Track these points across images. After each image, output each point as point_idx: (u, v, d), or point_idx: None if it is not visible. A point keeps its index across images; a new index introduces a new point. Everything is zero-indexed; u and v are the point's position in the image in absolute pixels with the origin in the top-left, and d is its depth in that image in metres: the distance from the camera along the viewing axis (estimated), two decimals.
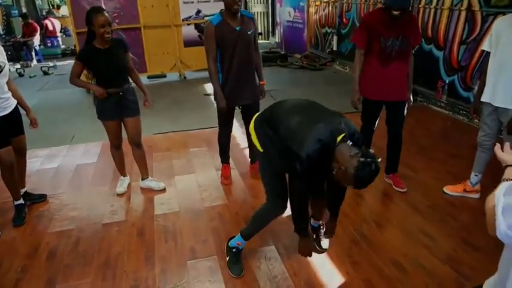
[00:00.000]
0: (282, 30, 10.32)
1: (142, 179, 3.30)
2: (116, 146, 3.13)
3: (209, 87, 6.68)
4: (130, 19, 6.80)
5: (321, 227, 2.49)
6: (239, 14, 2.86)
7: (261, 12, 11.72)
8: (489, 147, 2.77)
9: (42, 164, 3.89)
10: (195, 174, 3.55)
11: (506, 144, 1.13)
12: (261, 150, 2.07)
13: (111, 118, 2.95)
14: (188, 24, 7.23)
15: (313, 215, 2.50)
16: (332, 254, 2.42)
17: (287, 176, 2.10)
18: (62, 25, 11.60)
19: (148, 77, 7.30)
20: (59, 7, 13.00)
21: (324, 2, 8.52)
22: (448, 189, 3.05)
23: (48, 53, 10.66)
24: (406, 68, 2.87)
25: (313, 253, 2.41)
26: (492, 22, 4.18)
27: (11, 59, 9.11)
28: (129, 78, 3.00)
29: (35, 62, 9.89)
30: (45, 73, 8.61)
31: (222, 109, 3.01)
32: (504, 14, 3.75)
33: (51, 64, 9.04)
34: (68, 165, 3.86)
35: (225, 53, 2.88)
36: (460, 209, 2.87)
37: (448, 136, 4.28)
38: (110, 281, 2.28)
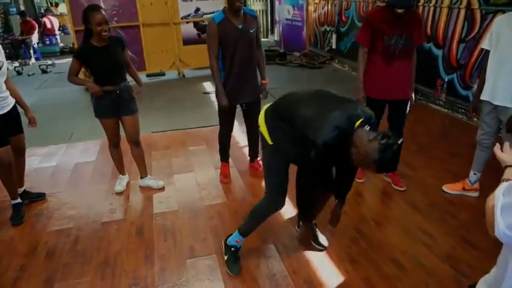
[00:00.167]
0: (281, 28, 10.30)
1: (141, 178, 3.29)
2: (114, 144, 3.12)
3: (208, 86, 6.68)
4: (129, 17, 6.78)
5: (315, 225, 2.49)
6: (241, 11, 2.85)
7: (260, 10, 11.69)
8: (488, 145, 2.77)
9: (41, 162, 3.88)
10: (194, 173, 3.54)
11: (506, 145, 1.12)
12: (271, 143, 2.03)
13: (108, 116, 2.94)
14: (187, 22, 7.21)
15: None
16: (331, 253, 2.41)
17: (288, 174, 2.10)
18: (60, 23, 11.56)
19: (147, 75, 7.29)
20: (57, 5, 12.96)
21: (323, 0, 8.51)
22: (447, 188, 3.06)
23: (46, 51, 10.63)
24: (410, 66, 2.85)
25: (313, 251, 2.43)
26: (491, 20, 4.18)
27: (9, 57, 9.08)
28: (127, 75, 2.99)
29: (33, 60, 9.86)
30: (44, 71, 8.59)
31: (224, 107, 3.01)
32: (503, 12, 3.75)
33: (49, 62, 9.02)
34: (66, 163, 3.85)
35: (227, 50, 2.88)
36: (459, 208, 2.87)
37: (447, 135, 4.28)
38: (109, 279, 2.27)
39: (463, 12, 4.62)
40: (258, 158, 3.50)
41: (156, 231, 2.71)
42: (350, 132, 1.68)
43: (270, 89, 3.17)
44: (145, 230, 2.73)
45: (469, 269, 2.24)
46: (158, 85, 6.95)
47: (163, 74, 7.47)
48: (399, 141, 1.60)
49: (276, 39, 10.91)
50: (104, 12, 2.70)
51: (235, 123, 3.30)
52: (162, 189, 3.25)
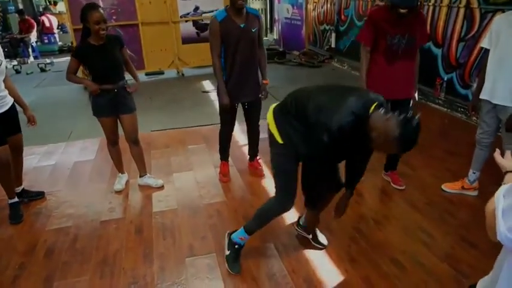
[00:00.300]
0: (280, 27, 10.29)
1: (141, 176, 3.29)
2: (112, 142, 3.12)
3: (207, 84, 6.67)
4: (128, 16, 6.77)
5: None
6: (244, 10, 2.84)
7: (259, 9, 11.67)
8: (487, 144, 2.78)
9: (40, 161, 3.87)
10: (193, 172, 3.54)
11: (508, 153, 1.12)
12: (281, 142, 2.00)
13: (106, 115, 2.94)
14: (186, 21, 7.20)
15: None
16: (331, 252, 2.41)
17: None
18: (59, 22, 11.53)
19: (146, 74, 7.28)
20: (55, 3, 12.91)
21: None
22: (446, 187, 3.06)
23: (45, 50, 10.60)
24: (412, 66, 2.84)
25: (312, 250, 2.43)
26: (491, 19, 4.18)
27: (8, 55, 9.04)
28: (126, 73, 2.98)
29: (31, 58, 9.84)
30: (42, 70, 8.58)
31: (225, 106, 3.00)
32: (503, 11, 3.76)
33: (48, 61, 9.00)
34: (65, 162, 3.84)
35: (229, 49, 2.88)
36: (458, 207, 2.87)
37: (446, 134, 4.28)
38: (108, 278, 2.27)
39: (462, 11, 4.62)
40: (258, 157, 3.50)
41: (155, 229, 2.71)
42: (365, 117, 1.68)
43: (269, 88, 3.16)
44: (144, 228, 2.73)
45: (468, 268, 2.24)
46: (157, 84, 6.94)
47: (162, 73, 7.47)
48: (417, 116, 1.61)
49: (275, 38, 10.90)
50: (101, 11, 2.69)
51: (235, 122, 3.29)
52: (162, 187, 3.25)
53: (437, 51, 5.05)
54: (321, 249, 2.43)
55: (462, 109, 4.73)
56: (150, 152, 3.91)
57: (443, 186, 3.07)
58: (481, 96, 2.68)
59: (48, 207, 3.04)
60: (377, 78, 2.84)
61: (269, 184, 3.29)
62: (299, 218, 2.56)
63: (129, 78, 3.02)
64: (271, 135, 2.06)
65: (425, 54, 5.11)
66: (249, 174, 3.46)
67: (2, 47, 2.80)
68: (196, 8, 7.19)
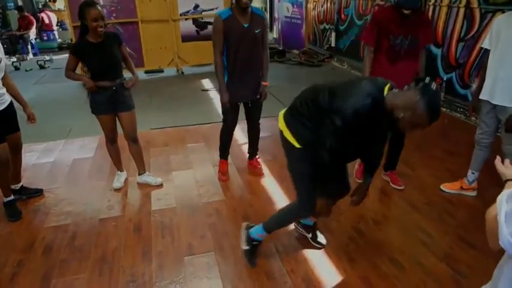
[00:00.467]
0: (280, 26, 10.27)
1: (139, 174, 3.28)
2: (110, 140, 3.11)
3: (207, 83, 6.66)
4: (128, 13, 6.74)
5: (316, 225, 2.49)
6: (249, 10, 2.83)
7: (259, 8, 11.66)
8: (487, 145, 2.78)
9: (39, 158, 3.86)
10: (192, 170, 3.53)
11: (507, 161, 1.11)
12: (299, 147, 1.95)
13: (104, 112, 2.93)
14: (186, 19, 7.18)
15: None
16: (329, 251, 2.41)
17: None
18: (58, 18, 11.49)
19: (146, 72, 7.26)
20: (55, 0, 12.86)
21: None
22: (445, 187, 3.06)
23: (44, 47, 10.56)
24: (415, 65, 2.84)
25: (311, 250, 2.42)
26: (491, 19, 4.18)
27: (7, 52, 9.02)
28: (125, 71, 2.97)
29: (31, 55, 9.80)
30: (42, 67, 8.55)
31: (225, 104, 3.00)
32: (503, 11, 3.76)
33: (47, 58, 8.97)
34: (64, 159, 3.83)
35: (231, 48, 2.87)
36: (457, 207, 2.88)
37: (445, 134, 4.28)
38: (106, 276, 2.27)
39: (462, 11, 4.62)
40: (257, 156, 3.50)
41: (154, 228, 2.71)
42: (381, 100, 1.68)
43: (269, 87, 3.15)
44: (143, 226, 2.73)
45: (466, 268, 2.24)
46: (157, 82, 6.93)
47: (162, 71, 7.45)
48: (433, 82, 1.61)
49: (275, 36, 10.88)
50: (99, 8, 2.68)
51: None
52: (160, 186, 3.24)
53: (437, 51, 5.05)
54: (319, 248, 2.43)
55: (461, 109, 4.73)
56: (149, 150, 3.90)
57: (442, 187, 3.07)
58: (481, 97, 2.68)
59: (47, 205, 3.03)
60: None
61: (268, 183, 3.29)
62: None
63: (128, 76, 3.01)
64: (287, 142, 2.01)
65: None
66: (248, 173, 3.45)
67: (1, 44, 2.78)
68: (196, 6, 7.17)
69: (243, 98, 3.08)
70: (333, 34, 8.15)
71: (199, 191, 3.17)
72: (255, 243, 2.27)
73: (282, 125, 2.05)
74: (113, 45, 2.84)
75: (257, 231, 2.26)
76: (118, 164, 3.27)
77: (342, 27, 7.86)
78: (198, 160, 3.73)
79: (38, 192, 3.15)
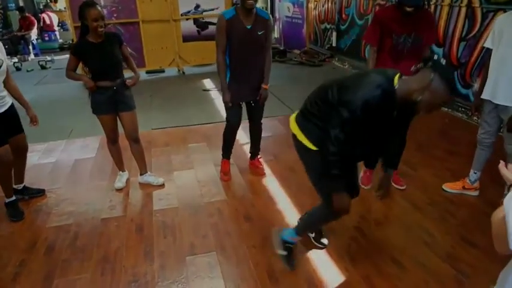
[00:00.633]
0: (281, 26, 10.28)
1: (141, 174, 3.28)
2: (112, 140, 3.11)
3: (208, 83, 6.66)
4: (129, 13, 6.75)
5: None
6: (254, 11, 2.82)
7: (264, 9, 11.66)
8: (489, 144, 2.77)
9: (40, 158, 3.86)
10: (194, 170, 3.53)
11: (510, 166, 1.10)
12: (314, 148, 1.89)
13: (105, 112, 2.93)
14: (187, 19, 7.18)
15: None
16: (331, 251, 2.41)
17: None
18: (59, 19, 11.51)
19: (147, 72, 7.27)
20: (56, 1, 12.88)
21: None
22: (447, 187, 3.06)
23: (45, 47, 10.58)
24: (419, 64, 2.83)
25: (312, 250, 2.42)
26: (492, 19, 4.18)
27: (9, 52, 9.02)
28: (126, 71, 2.97)
29: (32, 56, 9.82)
30: (43, 67, 8.56)
31: (227, 103, 3.00)
32: (504, 10, 3.75)
33: (48, 58, 8.99)
34: (66, 160, 3.84)
35: (232, 48, 2.87)
36: (459, 207, 2.87)
37: (447, 133, 4.28)
38: (108, 276, 2.27)
39: (463, 10, 4.61)
40: (259, 156, 3.50)
41: (155, 228, 2.71)
42: (391, 90, 1.67)
43: (270, 87, 3.14)
44: (145, 226, 2.73)
45: (469, 268, 2.24)
46: (158, 82, 6.94)
47: (163, 71, 7.46)
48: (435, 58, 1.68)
49: (275, 36, 10.88)
50: (99, 8, 2.68)
51: None
52: (162, 186, 3.24)
53: (439, 51, 5.04)
54: (322, 249, 2.43)
55: (463, 109, 4.72)
56: (151, 150, 3.90)
57: (444, 186, 3.07)
58: (483, 96, 2.67)
59: (49, 205, 3.04)
60: None
61: (270, 183, 3.29)
62: (305, 213, 2.53)
63: (129, 77, 3.01)
64: (301, 145, 1.96)
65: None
66: (250, 173, 3.45)
67: (2, 44, 2.79)
68: (197, 6, 7.17)
69: (244, 98, 3.07)
70: (334, 34, 8.14)
71: (201, 191, 3.17)
72: (288, 245, 2.23)
73: (294, 128, 2.00)
74: (114, 45, 2.84)
75: (289, 234, 2.23)
76: (119, 164, 3.28)
77: (343, 27, 7.85)
78: (199, 160, 3.73)
79: (40, 193, 3.15)
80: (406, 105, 1.71)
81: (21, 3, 11.23)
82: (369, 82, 1.70)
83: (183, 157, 3.80)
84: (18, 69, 8.43)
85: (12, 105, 2.80)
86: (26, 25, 9.73)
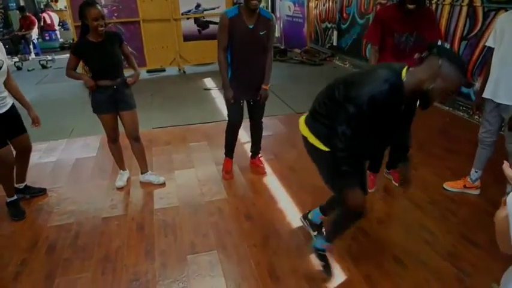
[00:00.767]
0: (281, 25, 10.27)
1: (142, 173, 3.28)
2: (112, 139, 3.12)
3: (209, 82, 6.66)
4: (129, 13, 6.75)
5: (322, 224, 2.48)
6: (257, 11, 2.81)
7: (267, 9, 11.64)
8: (490, 143, 2.77)
9: (41, 157, 3.87)
10: (194, 169, 3.54)
11: (506, 164, 1.09)
12: (325, 149, 1.87)
13: (105, 111, 2.93)
14: (188, 18, 7.18)
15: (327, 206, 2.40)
16: (332, 250, 2.41)
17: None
18: (60, 18, 11.52)
19: (148, 71, 7.27)
20: (57, 0, 12.89)
21: None
22: (448, 186, 3.05)
23: (46, 47, 10.60)
24: None
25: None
26: (494, 18, 4.17)
27: (9, 52, 9.05)
28: (126, 70, 2.97)
29: (33, 55, 9.83)
30: (44, 67, 8.58)
31: (229, 100, 3.00)
32: (506, 9, 3.74)
33: (49, 58, 8.99)
34: (67, 159, 3.85)
35: (234, 47, 2.87)
36: (460, 205, 2.87)
37: (447, 132, 4.27)
38: (109, 274, 2.27)
39: (465, 9, 4.60)
40: (260, 155, 3.50)
41: (156, 226, 2.71)
42: (400, 84, 1.64)
43: (270, 86, 3.13)
44: (146, 225, 2.73)
45: (470, 266, 2.24)
46: (158, 81, 6.94)
47: (164, 70, 7.46)
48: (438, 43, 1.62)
49: (276, 35, 10.87)
50: (99, 7, 2.69)
51: None
52: (163, 185, 3.25)
53: None
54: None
55: (464, 108, 4.72)
56: (152, 149, 3.90)
57: (445, 185, 3.06)
58: (484, 95, 2.67)
59: (50, 204, 3.04)
60: None
61: (271, 182, 3.29)
62: (309, 211, 2.53)
63: (129, 75, 3.01)
64: (313, 147, 1.94)
65: None
66: (251, 172, 3.45)
67: (3, 44, 2.79)
68: (198, 6, 7.17)
69: (245, 97, 3.07)
70: (335, 33, 8.14)
71: (202, 190, 3.17)
72: (321, 253, 2.19)
73: (304, 131, 1.98)
74: (114, 45, 2.84)
75: (322, 242, 2.20)
76: (120, 163, 3.28)
77: (343, 26, 7.84)
78: (200, 159, 3.73)
79: (41, 192, 3.16)
80: (416, 97, 1.68)
81: (21, 3, 11.25)
82: (375, 77, 1.68)
83: (183, 156, 3.80)
84: (19, 68, 8.44)
85: (13, 106, 2.80)
86: (27, 24, 9.74)
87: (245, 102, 3.15)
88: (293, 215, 2.79)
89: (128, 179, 3.32)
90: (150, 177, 3.27)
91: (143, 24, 6.86)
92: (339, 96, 1.77)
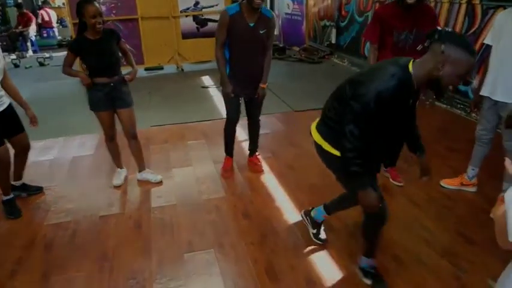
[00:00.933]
0: (280, 23, 10.24)
1: (139, 172, 3.28)
2: (109, 137, 3.11)
3: (207, 80, 6.65)
4: (128, 10, 6.72)
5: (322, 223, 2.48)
6: (259, 10, 2.80)
7: (267, 8, 11.60)
8: (487, 141, 2.77)
9: (38, 155, 3.85)
10: (192, 167, 3.53)
11: (508, 161, 1.08)
12: (339, 154, 1.84)
13: (103, 109, 2.93)
14: (186, 16, 7.16)
15: (336, 202, 2.36)
16: (330, 248, 2.41)
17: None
18: (58, 16, 11.47)
19: (146, 69, 7.25)
20: None
21: None
22: (445, 183, 3.06)
23: (44, 44, 10.55)
24: None
25: (311, 247, 2.42)
26: (492, 16, 4.16)
27: (6, 49, 9.02)
28: (125, 67, 2.97)
29: (30, 52, 9.79)
30: (41, 64, 8.54)
31: (228, 94, 2.99)
32: (504, 7, 3.73)
33: (47, 55, 8.96)
34: (64, 157, 3.83)
35: (233, 45, 2.86)
36: (457, 203, 2.87)
37: (445, 130, 4.27)
38: (106, 273, 2.27)
39: (464, 7, 4.60)
40: (257, 153, 3.49)
41: (154, 225, 2.70)
42: (408, 77, 1.61)
43: (268, 84, 3.13)
44: (143, 224, 2.73)
45: (467, 263, 2.24)
46: (157, 79, 6.92)
47: (162, 68, 7.43)
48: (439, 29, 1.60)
49: (275, 33, 10.85)
50: (97, 5, 2.68)
51: None
52: (160, 183, 3.24)
53: None
54: (320, 245, 2.43)
55: (462, 105, 4.72)
56: (149, 147, 3.89)
57: (442, 183, 3.07)
58: (482, 93, 2.67)
59: (47, 202, 3.03)
60: None
61: (268, 180, 3.29)
62: (312, 208, 2.50)
63: (127, 73, 3.00)
64: (327, 154, 1.91)
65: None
66: (248, 170, 3.45)
67: (0, 41, 2.77)
68: (197, 3, 7.15)
69: (243, 93, 3.07)
70: (334, 31, 8.12)
71: (199, 188, 3.17)
72: (372, 271, 2.12)
73: (317, 138, 1.95)
74: (111, 42, 2.84)
75: (365, 261, 2.13)
76: (117, 161, 3.27)
77: (342, 24, 7.82)
78: (198, 157, 3.72)
79: (38, 190, 3.15)
80: (427, 87, 1.65)
81: (19, 0, 11.19)
82: (382, 73, 1.64)
83: (181, 154, 3.80)
84: (16, 66, 8.40)
85: (10, 105, 2.79)
86: (24, 21, 9.70)
87: (243, 99, 3.15)
88: (291, 213, 2.79)
89: (125, 177, 3.31)
90: (147, 175, 3.26)
91: (142, 22, 6.84)
92: (346, 96, 1.74)
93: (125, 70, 2.99)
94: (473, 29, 4.47)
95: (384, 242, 2.46)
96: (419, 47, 1.63)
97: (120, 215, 2.84)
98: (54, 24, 11.10)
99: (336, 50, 8.16)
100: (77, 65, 2.94)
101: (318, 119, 2.02)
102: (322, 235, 2.46)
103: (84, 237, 2.60)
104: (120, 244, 2.52)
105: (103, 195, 3.10)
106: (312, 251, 2.40)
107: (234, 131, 3.27)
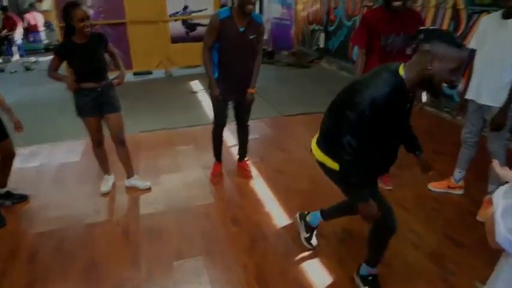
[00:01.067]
0: (269, 27, 10.28)
1: (128, 178, 3.24)
2: (97, 143, 3.07)
3: (196, 85, 6.62)
4: (116, 14, 6.67)
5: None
6: (250, 15, 2.80)
7: (257, 13, 11.62)
8: (473, 144, 2.81)
9: (24, 162, 3.78)
10: (181, 173, 3.50)
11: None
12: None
13: (90, 114, 2.89)
14: (175, 20, 7.13)
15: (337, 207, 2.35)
16: (320, 253, 2.41)
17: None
18: (45, 19, 11.31)
19: (134, 74, 7.19)
20: (41, 0, 12.65)
21: None
22: (433, 186, 3.09)
23: (30, 48, 10.40)
24: None
25: (302, 252, 2.41)
26: (477, 20, 4.24)
27: None
28: (112, 72, 2.93)
29: (17, 57, 9.63)
30: (28, 69, 8.41)
31: (216, 97, 2.98)
32: (488, 12, 3.80)
33: (33, 59, 8.83)
34: (50, 163, 3.77)
35: (223, 49, 2.86)
36: (444, 205, 2.90)
37: (431, 133, 4.32)
38: (93, 282, 2.23)
39: (449, 12, 4.68)
40: (246, 159, 3.48)
41: (142, 232, 2.67)
42: (400, 81, 1.62)
43: (257, 89, 3.12)
44: (131, 231, 2.69)
45: (455, 266, 2.26)
46: (145, 84, 6.87)
47: (150, 73, 7.38)
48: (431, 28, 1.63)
49: (264, 38, 10.88)
50: (84, 8, 2.65)
51: None
52: (149, 189, 3.20)
53: None
54: (310, 250, 2.43)
55: (447, 109, 4.78)
56: (138, 153, 3.85)
57: (429, 186, 3.10)
58: (467, 97, 2.71)
59: (32, 210, 2.97)
60: None
61: (257, 185, 3.28)
62: (308, 212, 2.49)
63: (114, 77, 2.96)
64: (332, 171, 1.88)
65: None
66: (238, 175, 3.44)
67: None
68: (186, 7, 7.13)
69: (231, 97, 3.06)
70: (322, 35, 8.18)
71: (188, 194, 3.14)
72: (371, 278, 2.11)
73: (319, 155, 1.92)
74: (99, 46, 2.81)
75: (366, 268, 2.11)
76: (105, 168, 3.23)
77: (331, 28, 7.89)
78: (187, 163, 3.70)
79: (23, 198, 3.08)
80: (420, 89, 1.67)
81: (5, 3, 11.01)
82: (375, 81, 1.65)
83: (170, 160, 3.77)
84: (1, 70, 8.27)
85: None
86: (10, 25, 9.55)
87: (231, 104, 3.14)
88: (280, 218, 2.78)
89: (113, 184, 3.27)
90: (135, 182, 3.22)
91: (130, 26, 6.79)
92: (342, 107, 1.73)
93: (112, 75, 2.96)
94: (458, 33, 4.54)
95: None
96: (408, 50, 1.64)
97: (108, 223, 2.79)
98: (41, 28, 10.94)
99: (324, 55, 8.22)
100: (63, 68, 2.89)
101: (317, 135, 2.00)
102: (314, 241, 2.46)
103: (70, 246, 2.56)
104: (107, 252, 2.47)
105: (90, 203, 3.05)
106: (302, 257, 2.39)
107: (221, 136, 3.26)
